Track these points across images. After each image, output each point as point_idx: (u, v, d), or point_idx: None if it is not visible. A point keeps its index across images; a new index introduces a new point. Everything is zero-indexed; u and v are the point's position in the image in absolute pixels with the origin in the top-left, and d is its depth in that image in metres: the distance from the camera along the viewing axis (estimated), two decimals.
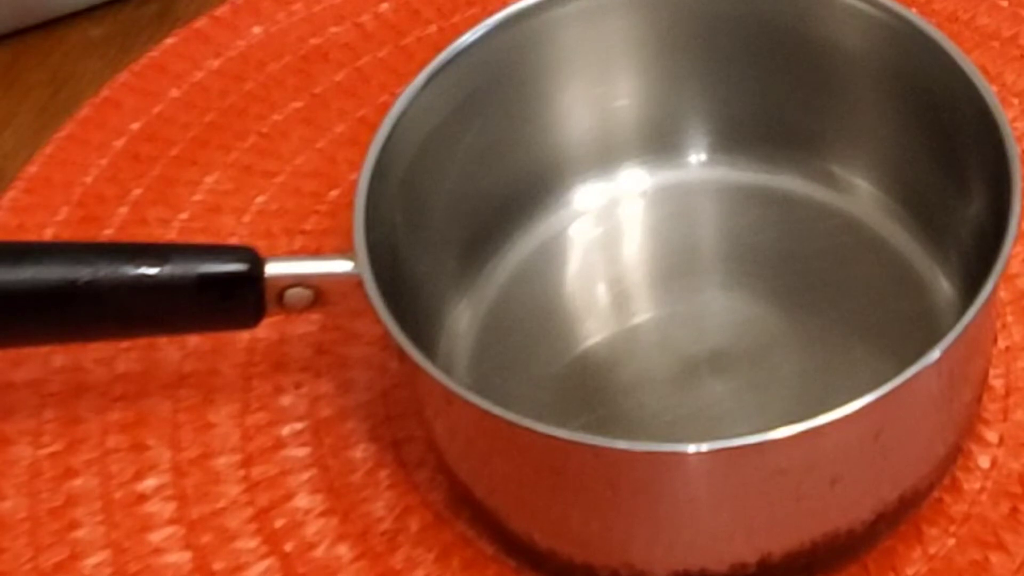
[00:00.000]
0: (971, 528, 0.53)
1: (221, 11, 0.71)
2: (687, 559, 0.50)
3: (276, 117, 0.67)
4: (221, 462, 0.57)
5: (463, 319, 0.58)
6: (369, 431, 0.57)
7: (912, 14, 0.56)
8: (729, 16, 0.59)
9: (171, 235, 0.63)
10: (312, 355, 0.59)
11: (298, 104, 0.67)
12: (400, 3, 0.71)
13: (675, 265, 0.60)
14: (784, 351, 0.56)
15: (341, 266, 0.52)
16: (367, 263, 0.51)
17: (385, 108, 0.55)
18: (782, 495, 0.49)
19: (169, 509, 0.56)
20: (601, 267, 0.60)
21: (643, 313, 0.58)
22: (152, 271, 0.51)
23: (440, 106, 0.56)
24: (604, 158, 0.61)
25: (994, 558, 0.53)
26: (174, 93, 0.68)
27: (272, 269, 0.53)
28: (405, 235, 0.55)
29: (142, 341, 0.59)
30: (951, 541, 0.53)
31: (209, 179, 0.65)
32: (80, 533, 0.55)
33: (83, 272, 0.51)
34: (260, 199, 0.64)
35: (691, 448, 0.47)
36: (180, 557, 0.55)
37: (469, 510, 0.54)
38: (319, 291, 0.53)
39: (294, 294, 0.53)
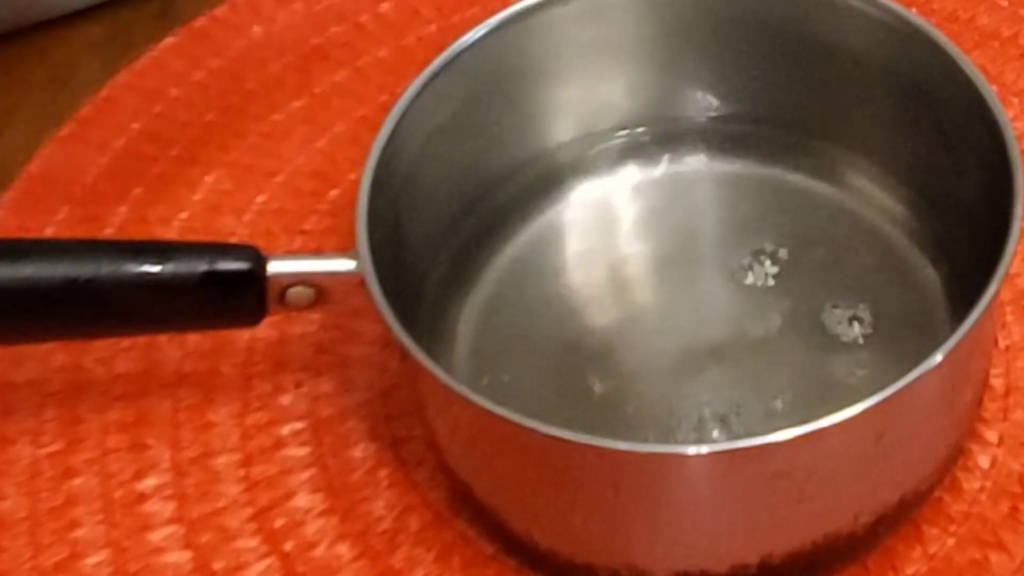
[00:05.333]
0: (971, 528, 0.54)
1: (221, 11, 0.71)
2: (688, 560, 0.50)
3: (276, 117, 0.67)
4: (221, 461, 0.57)
5: (463, 318, 0.58)
6: (369, 430, 0.57)
7: (912, 14, 0.56)
8: (729, 15, 0.59)
9: (171, 234, 0.63)
10: (312, 354, 0.59)
11: (298, 104, 0.67)
12: (400, 3, 0.71)
13: (674, 257, 0.60)
14: (783, 343, 0.56)
15: (343, 265, 0.52)
16: (369, 262, 0.51)
17: (385, 108, 0.55)
18: (783, 497, 0.49)
19: (169, 508, 0.56)
20: (601, 261, 0.60)
21: (642, 305, 0.58)
22: (154, 269, 0.51)
23: (440, 106, 0.56)
24: (604, 154, 0.61)
25: (994, 558, 0.53)
26: (174, 93, 0.68)
27: (274, 267, 0.53)
28: (406, 234, 0.55)
29: (142, 340, 0.59)
30: (951, 541, 0.53)
31: (209, 179, 0.65)
32: (80, 532, 0.55)
33: (85, 270, 0.51)
34: (260, 199, 0.64)
35: (692, 450, 0.47)
36: (180, 556, 0.55)
37: (469, 510, 0.54)
38: (321, 290, 0.53)
39: (296, 293, 0.53)
